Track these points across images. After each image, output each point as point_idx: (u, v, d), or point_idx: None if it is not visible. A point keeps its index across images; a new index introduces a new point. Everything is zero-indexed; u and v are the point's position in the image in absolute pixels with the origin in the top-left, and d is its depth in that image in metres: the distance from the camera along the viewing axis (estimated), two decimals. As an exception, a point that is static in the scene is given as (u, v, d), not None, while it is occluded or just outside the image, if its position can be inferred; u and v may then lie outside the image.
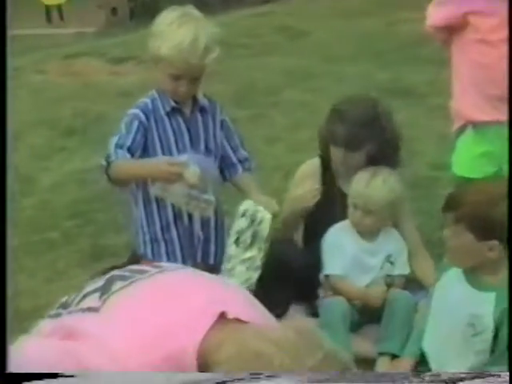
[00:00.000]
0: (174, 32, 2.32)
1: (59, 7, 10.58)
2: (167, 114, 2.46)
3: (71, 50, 7.89)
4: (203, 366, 1.26)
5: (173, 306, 1.34)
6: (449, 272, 2.21)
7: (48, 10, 10.56)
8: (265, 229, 2.39)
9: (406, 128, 4.73)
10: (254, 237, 2.38)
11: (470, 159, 2.66)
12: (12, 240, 1.34)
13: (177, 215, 2.50)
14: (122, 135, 2.40)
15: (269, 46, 7.63)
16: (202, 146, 2.54)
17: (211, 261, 2.60)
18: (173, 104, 2.45)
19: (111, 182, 2.43)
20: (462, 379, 1.28)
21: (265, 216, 2.40)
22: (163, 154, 2.47)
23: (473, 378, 1.32)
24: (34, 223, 3.57)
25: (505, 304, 2.01)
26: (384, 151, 2.56)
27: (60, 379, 1.27)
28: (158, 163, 2.38)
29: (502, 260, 2.09)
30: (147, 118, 2.43)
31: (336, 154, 2.56)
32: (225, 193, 2.76)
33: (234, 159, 2.59)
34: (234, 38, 6.91)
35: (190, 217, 2.50)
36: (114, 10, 10.53)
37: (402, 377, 1.42)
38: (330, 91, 5.44)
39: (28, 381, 1.29)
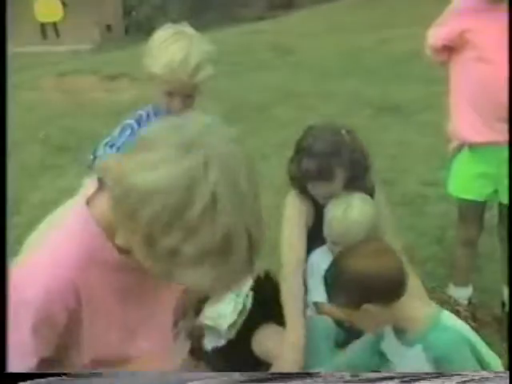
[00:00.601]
0: (166, 50, 2.33)
1: (54, 24, 10.64)
2: (159, 129, 2.47)
3: (66, 67, 7.92)
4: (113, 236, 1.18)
5: None
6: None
7: (43, 27, 10.62)
8: (247, 304, 2.40)
9: (396, 145, 4.77)
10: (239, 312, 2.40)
11: (466, 180, 2.64)
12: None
13: None
14: (113, 137, 2.42)
15: (260, 63, 7.67)
16: None
17: None
18: None
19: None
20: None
21: (249, 293, 2.40)
22: None
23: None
24: (23, 242, 3.56)
25: (432, 353, 1.85)
26: (356, 171, 2.55)
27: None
28: None
29: (407, 312, 1.88)
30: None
31: (314, 188, 2.54)
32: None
33: None
34: (227, 55, 6.95)
35: None
36: (108, 27, 10.59)
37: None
38: (319, 108, 5.48)
39: (28, 380, 1.27)
